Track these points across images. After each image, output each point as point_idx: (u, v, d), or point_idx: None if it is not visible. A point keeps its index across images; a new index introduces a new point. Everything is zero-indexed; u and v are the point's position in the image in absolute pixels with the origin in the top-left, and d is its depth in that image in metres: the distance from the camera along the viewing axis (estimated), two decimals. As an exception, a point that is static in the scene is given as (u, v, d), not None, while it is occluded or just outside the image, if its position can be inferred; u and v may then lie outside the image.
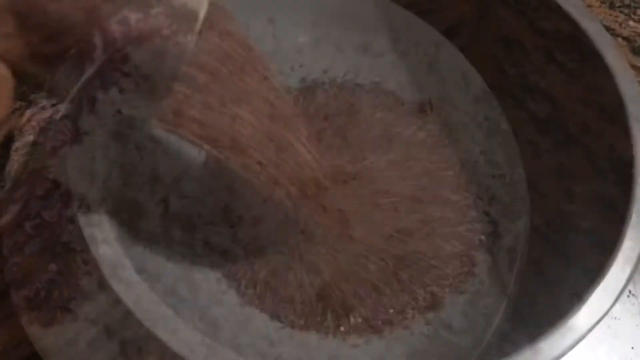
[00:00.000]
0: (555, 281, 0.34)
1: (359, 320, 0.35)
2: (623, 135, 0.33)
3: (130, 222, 0.34)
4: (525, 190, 0.39)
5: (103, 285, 0.28)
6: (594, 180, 0.35)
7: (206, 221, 0.38)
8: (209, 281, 0.36)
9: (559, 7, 0.36)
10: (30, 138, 0.45)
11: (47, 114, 0.46)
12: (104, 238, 0.28)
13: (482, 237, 0.38)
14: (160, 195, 0.37)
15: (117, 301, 0.27)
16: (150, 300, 0.27)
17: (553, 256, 0.35)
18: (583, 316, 0.28)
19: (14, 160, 0.44)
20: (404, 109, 0.43)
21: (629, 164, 0.32)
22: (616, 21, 0.51)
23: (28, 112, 0.46)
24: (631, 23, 0.51)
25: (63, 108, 0.46)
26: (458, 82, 0.43)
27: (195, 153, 0.38)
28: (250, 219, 0.38)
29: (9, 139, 0.45)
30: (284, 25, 0.43)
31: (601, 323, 0.29)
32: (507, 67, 0.41)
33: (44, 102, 0.47)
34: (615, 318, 0.39)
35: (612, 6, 0.51)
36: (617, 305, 0.29)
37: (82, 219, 0.29)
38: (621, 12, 0.51)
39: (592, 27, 0.35)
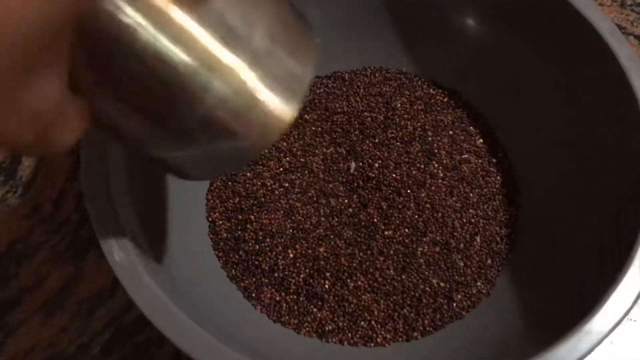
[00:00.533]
0: (572, 285, 0.33)
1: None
2: (637, 135, 0.33)
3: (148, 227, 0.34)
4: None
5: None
6: (609, 182, 0.35)
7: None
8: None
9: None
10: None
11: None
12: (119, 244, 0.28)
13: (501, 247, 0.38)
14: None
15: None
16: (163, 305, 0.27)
17: (569, 261, 0.35)
18: (601, 319, 0.28)
19: (25, 166, 0.44)
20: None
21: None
22: (627, 20, 0.51)
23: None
24: (642, 22, 0.50)
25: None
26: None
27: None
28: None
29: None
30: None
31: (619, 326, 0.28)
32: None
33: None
34: (631, 319, 0.39)
35: (623, 5, 0.51)
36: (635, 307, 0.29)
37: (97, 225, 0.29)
38: (632, 10, 0.51)
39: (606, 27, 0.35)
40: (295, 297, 0.36)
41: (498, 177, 0.41)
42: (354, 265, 0.37)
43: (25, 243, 0.41)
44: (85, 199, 0.30)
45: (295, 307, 0.36)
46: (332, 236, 0.38)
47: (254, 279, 0.37)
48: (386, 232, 0.38)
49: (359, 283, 0.36)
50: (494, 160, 0.41)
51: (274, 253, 0.37)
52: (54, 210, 0.42)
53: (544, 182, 0.40)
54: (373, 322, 0.36)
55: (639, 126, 0.34)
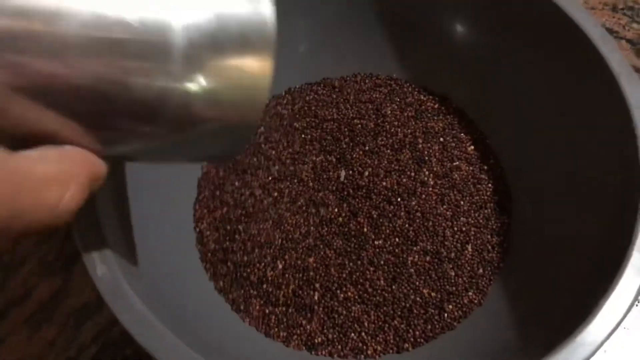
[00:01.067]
0: (565, 294, 0.33)
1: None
2: (630, 141, 0.33)
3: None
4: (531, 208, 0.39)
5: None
6: (603, 189, 0.34)
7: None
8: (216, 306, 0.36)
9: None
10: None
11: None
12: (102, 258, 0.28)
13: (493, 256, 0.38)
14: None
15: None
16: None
17: (562, 269, 0.34)
18: (595, 329, 0.28)
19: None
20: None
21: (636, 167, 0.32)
22: (619, 24, 0.50)
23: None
24: (635, 25, 0.50)
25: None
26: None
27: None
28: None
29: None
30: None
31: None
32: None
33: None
34: (625, 328, 0.38)
35: (615, 9, 0.51)
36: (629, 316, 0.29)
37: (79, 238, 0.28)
38: (624, 14, 0.51)
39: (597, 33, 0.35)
40: (284, 309, 0.36)
41: (489, 185, 0.40)
42: (344, 275, 0.36)
43: (13, 254, 0.41)
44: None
45: (285, 319, 0.36)
46: (321, 246, 0.37)
47: (242, 291, 0.36)
48: (376, 242, 0.37)
49: (349, 294, 0.36)
50: (485, 167, 0.41)
51: (263, 264, 0.37)
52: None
53: (535, 189, 0.39)
54: (363, 334, 0.35)
55: (631, 132, 0.33)
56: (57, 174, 0.19)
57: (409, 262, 0.37)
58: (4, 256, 0.40)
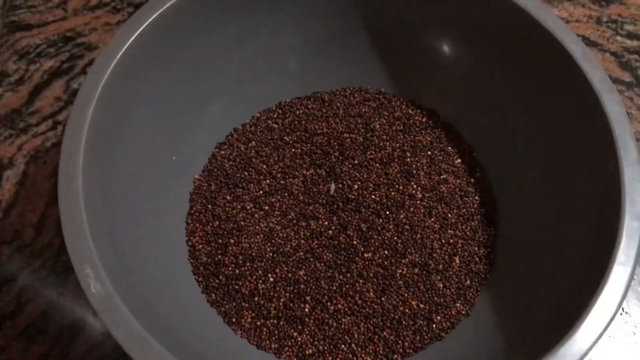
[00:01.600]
0: (551, 303, 0.34)
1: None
2: (611, 153, 0.33)
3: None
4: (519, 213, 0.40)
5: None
6: (586, 201, 0.35)
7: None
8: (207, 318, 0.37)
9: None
10: (22, 167, 0.45)
11: (38, 141, 0.46)
12: (95, 275, 0.28)
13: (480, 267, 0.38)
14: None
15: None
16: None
17: (548, 279, 0.35)
18: (580, 338, 0.28)
19: (5, 190, 0.44)
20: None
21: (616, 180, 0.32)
22: (603, 36, 0.51)
23: (18, 141, 0.46)
24: (618, 38, 0.51)
25: (54, 135, 0.46)
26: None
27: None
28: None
29: (0, 168, 0.45)
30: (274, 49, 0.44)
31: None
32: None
33: (35, 129, 0.47)
34: (610, 337, 0.39)
35: (599, 22, 0.52)
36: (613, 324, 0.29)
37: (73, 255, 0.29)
38: (608, 27, 0.52)
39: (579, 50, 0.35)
40: (275, 321, 0.37)
41: (476, 197, 0.41)
42: (334, 288, 0.37)
43: (6, 268, 0.41)
44: (62, 227, 0.30)
45: (276, 331, 0.36)
46: (312, 259, 0.38)
47: (234, 304, 0.37)
48: (366, 255, 0.38)
49: (339, 306, 0.37)
50: (472, 180, 0.42)
51: (254, 277, 0.38)
52: (35, 235, 0.42)
53: (521, 201, 0.40)
54: (353, 345, 0.36)
55: (612, 147, 0.34)
56: None
57: (398, 274, 0.38)
58: (-3, 270, 0.41)
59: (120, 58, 0.34)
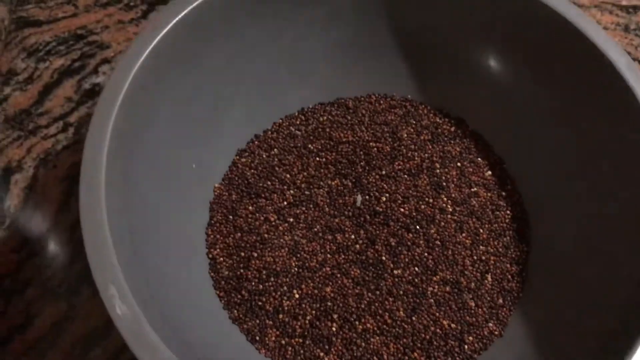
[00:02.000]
0: (588, 325, 0.32)
1: None
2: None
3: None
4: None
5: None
6: (623, 217, 0.34)
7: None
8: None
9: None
10: (31, 171, 0.43)
11: (48, 144, 0.44)
12: (121, 295, 0.27)
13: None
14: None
15: None
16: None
17: (583, 299, 0.34)
18: None
19: (14, 195, 0.42)
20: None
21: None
22: (632, 44, 0.50)
23: (27, 143, 0.44)
24: (647, 47, 0.50)
25: (64, 138, 0.44)
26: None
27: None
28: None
29: (8, 171, 0.43)
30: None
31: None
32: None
33: (45, 131, 0.45)
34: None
35: (627, 29, 0.50)
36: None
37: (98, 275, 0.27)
38: (637, 35, 0.50)
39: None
40: (301, 340, 0.35)
41: (508, 211, 0.39)
42: (363, 306, 0.35)
43: (14, 278, 0.39)
44: (85, 245, 0.28)
45: (302, 351, 0.35)
46: (338, 275, 0.36)
47: (257, 321, 0.35)
48: (395, 271, 0.36)
49: (368, 325, 0.35)
50: (504, 193, 0.40)
51: (279, 293, 0.36)
52: (44, 243, 0.40)
53: (555, 215, 0.39)
54: (383, 367, 0.34)
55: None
56: None
57: (429, 292, 0.36)
58: (5, 280, 0.39)
59: (143, 61, 0.33)
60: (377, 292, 0.36)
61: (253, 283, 0.36)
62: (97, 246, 0.28)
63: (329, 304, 0.35)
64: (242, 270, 0.37)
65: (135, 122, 0.33)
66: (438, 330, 0.35)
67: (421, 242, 0.37)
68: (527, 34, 0.38)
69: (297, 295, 0.36)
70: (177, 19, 0.34)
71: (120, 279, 0.27)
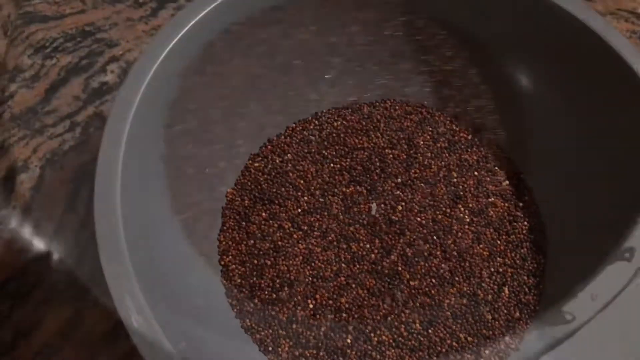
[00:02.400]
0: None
1: None
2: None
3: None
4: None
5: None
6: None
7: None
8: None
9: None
10: (37, 171, 0.42)
11: (54, 144, 0.43)
12: (137, 307, 0.26)
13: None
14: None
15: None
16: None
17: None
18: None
19: (19, 195, 0.41)
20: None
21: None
22: (647, 54, 0.49)
23: (34, 142, 0.43)
24: (663, 56, 0.49)
25: (71, 137, 0.43)
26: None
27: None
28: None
29: (14, 171, 0.42)
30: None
31: None
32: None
33: (51, 131, 0.44)
34: None
35: (643, 38, 0.50)
36: None
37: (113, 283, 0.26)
38: (652, 44, 0.50)
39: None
40: (315, 351, 0.34)
41: (525, 223, 0.39)
42: (378, 317, 0.35)
43: (20, 281, 0.38)
44: (100, 254, 0.27)
45: (316, 363, 0.34)
46: (353, 285, 0.36)
47: (270, 331, 0.35)
48: (412, 282, 0.36)
49: (383, 337, 0.34)
50: (521, 204, 0.39)
51: (292, 303, 0.35)
52: (50, 246, 0.39)
53: (571, 227, 0.38)
54: (398, 380, 0.34)
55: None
56: None
57: (446, 304, 0.35)
58: (10, 284, 0.38)
59: (161, 62, 0.32)
60: (393, 304, 0.35)
61: (266, 292, 0.35)
62: (112, 256, 0.27)
63: (344, 315, 0.35)
64: (254, 279, 0.36)
65: (150, 125, 0.32)
66: (454, 343, 0.35)
67: (438, 252, 0.36)
68: (551, 44, 0.37)
69: (311, 306, 0.35)
70: (193, 22, 0.34)
71: (136, 289, 0.26)
